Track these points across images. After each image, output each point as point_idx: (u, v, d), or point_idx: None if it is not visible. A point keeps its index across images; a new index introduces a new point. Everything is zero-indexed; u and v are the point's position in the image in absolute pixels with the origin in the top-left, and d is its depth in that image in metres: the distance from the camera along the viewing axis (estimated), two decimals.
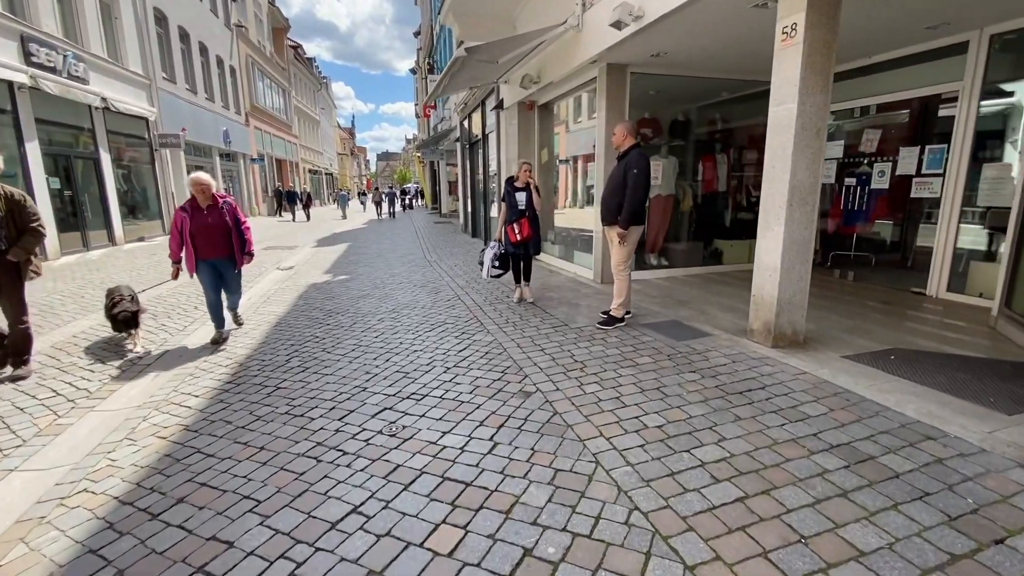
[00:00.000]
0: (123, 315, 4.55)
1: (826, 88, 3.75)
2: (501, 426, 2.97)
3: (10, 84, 9.34)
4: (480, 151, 12.93)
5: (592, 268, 7.09)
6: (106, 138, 12.38)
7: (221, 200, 4.73)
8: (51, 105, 10.53)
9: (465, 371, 3.88)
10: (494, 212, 11.31)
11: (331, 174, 51.85)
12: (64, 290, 7.49)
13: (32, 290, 7.45)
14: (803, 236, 3.90)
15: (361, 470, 2.60)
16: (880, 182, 6.33)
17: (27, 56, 9.79)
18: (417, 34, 35.59)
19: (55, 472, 2.79)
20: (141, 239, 13.67)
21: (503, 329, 4.92)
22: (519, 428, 2.94)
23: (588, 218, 7.66)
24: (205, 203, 4.63)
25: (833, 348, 4.00)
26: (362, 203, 34.41)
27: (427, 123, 29.32)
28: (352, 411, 3.30)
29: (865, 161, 6.47)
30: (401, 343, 4.69)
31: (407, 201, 37.82)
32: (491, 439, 2.84)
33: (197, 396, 3.70)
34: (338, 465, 2.67)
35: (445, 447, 2.78)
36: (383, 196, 25.65)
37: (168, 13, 16.08)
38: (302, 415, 3.29)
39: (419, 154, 36.10)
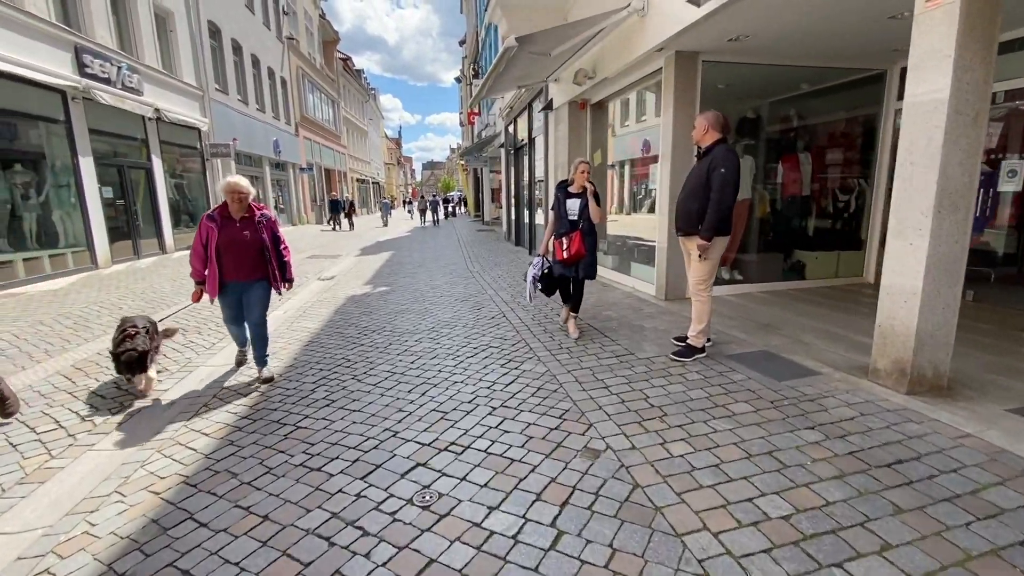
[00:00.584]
0: (127, 356, 3.62)
1: (988, 60, 2.87)
2: (565, 503, 2.26)
3: (63, 94, 9.44)
4: (525, 156, 12.30)
5: (654, 283, 6.27)
6: (159, 148, 12.52)
7: (259, 212, 3.96)
8: (104, 115, 10.66)
9: (514, 413, 3.19)
10: (540, 219, 10.64)
11: (378, 183, 52.67)
12: (104, 301, 7.32)
13: (75, 302, 7.39)
14: (953, 252, 3.00)
15: (382, 565, 1.95)
16: (1010, 183, 5.23)
17: (81, 67, 9.90)
18: (462, 43, 35.60)
19: (22, 539, 2.29)
20: (190, 247, 13.75)
21: (556, 357, 4.21)
22: (589, 508, 2.21)
23: (647, 226, 6.85)
24: (239, 214, 3.87)
25: (990, 397, 3.07)
26: (408, 211, 35.66)
27: (471, 130, 29.08)
28: (378, 466, 2.67)
29: (989, 158, 5.38)
30: (440, 371, 4.06)
31: (450, 209, 37.89)
32: (553, 524, 2.13)
33: (207, 435, 3.17)
34: (355, 553, 2.03)
35: (493, 533, 2.09)
36: (427, 204, 26.77)
37: (222, 26, 16.37)
38: (320, 468, 2.68)
39: (463, 162, 36.01)
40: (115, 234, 10.96)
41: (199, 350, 4.95)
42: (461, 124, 42.32)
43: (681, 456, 2.57)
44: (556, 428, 2.96)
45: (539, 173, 10.92)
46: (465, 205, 41.38)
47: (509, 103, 12.94)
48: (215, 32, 16.16)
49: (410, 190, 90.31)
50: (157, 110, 12.11)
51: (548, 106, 8.87)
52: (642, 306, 5.87)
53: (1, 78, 8.16)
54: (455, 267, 10.09)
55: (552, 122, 9.00)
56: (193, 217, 14.54)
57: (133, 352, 3.62)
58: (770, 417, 2.94)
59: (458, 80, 40.99)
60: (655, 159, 6.55)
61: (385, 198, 33.70)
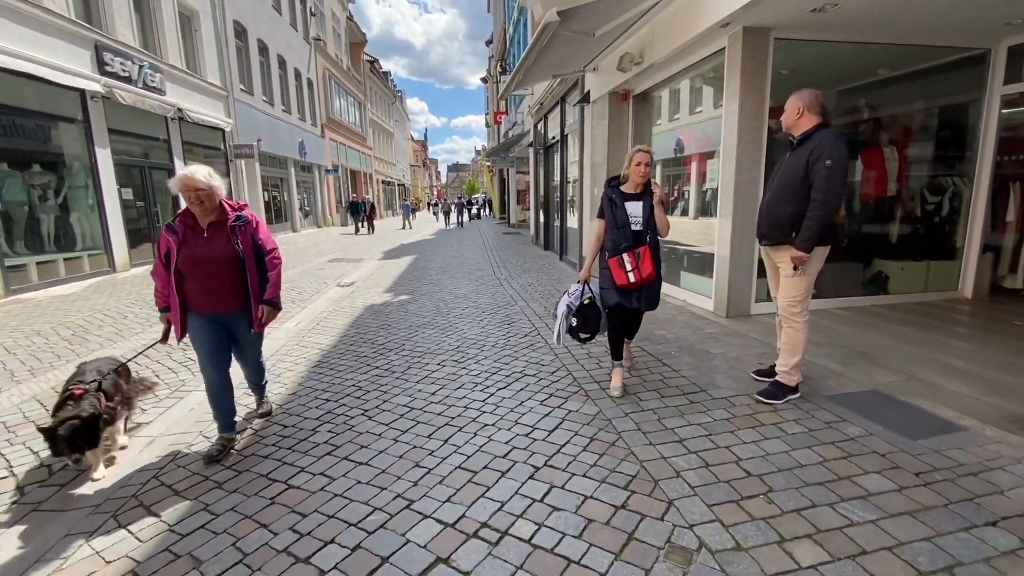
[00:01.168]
0: (66, 428, 2.41)
1: None
2: None
3: (82, 93, 9.11)
4: (556, 155, 11.53)
5: (711, 297, 5.43)
6: (181, 148, 12.21)
7: (233, 213, 2.84)
8: (125, 115, 10.34)
9: (564, 479, 2.44)
10: (572, 223, 9.87)
11: (403, 185, 52.58)
12: (111, 308, 6.87)
13: (82, 309, 6.96)
14: None
15: None
16: None
17: (101, 65, 9.58)
18: (489, 43, 35.05)
19: None
20: None
21: (609, 393, 3.44)
22: None
23: (700, 232, 6.02)
24: (206, 218, 2.76)
25: None
26: (434, 213, 36.00)
27: (497, 130, 28.45)
28: (385, 559, 1.96)
29: None
30: (466, 407, 3.34)
31: (475, 211, 37.35)
32: None
33: (177, 493, 2.52)
34: None
35: None
36: (451, 207, 27.19)
37: (248, 26, 16.10)
38: (307, 559, 1.99)
39: (488, 162, 35.41)
40: (135, 236, 10.63)
41: (190, 378, 4.35)
42: (487, 125, 41.79)
43: (814, 569, 1.77)
44: (623, 506, 2.20)
45: (572, 173, 10.14)
46: (490, 207, 40.85)
47: (539, 99, 12.20)
48: (240, 32, 15.89)
49: (435, 192, 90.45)
50: (180, 110, 11.79)
51: (584, 99, 8.10)
52: (701, 324, 5.04)
53: (19, 76, 7.82)
54: (481, 273, 9.39)
55: (589, 116, 8.22)
56: None
57: (75, 420, 2.45)
58: (924, 502, 2.11)
59: (484, 81, 40.47)
60: (711, 155, 5.71)
61: (406, 200, 33.24)
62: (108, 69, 9.75)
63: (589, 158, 8.15)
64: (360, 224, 21.00)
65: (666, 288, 6.48)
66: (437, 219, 32.55)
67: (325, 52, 24.80)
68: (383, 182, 40.61)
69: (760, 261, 4.15)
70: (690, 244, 6.23)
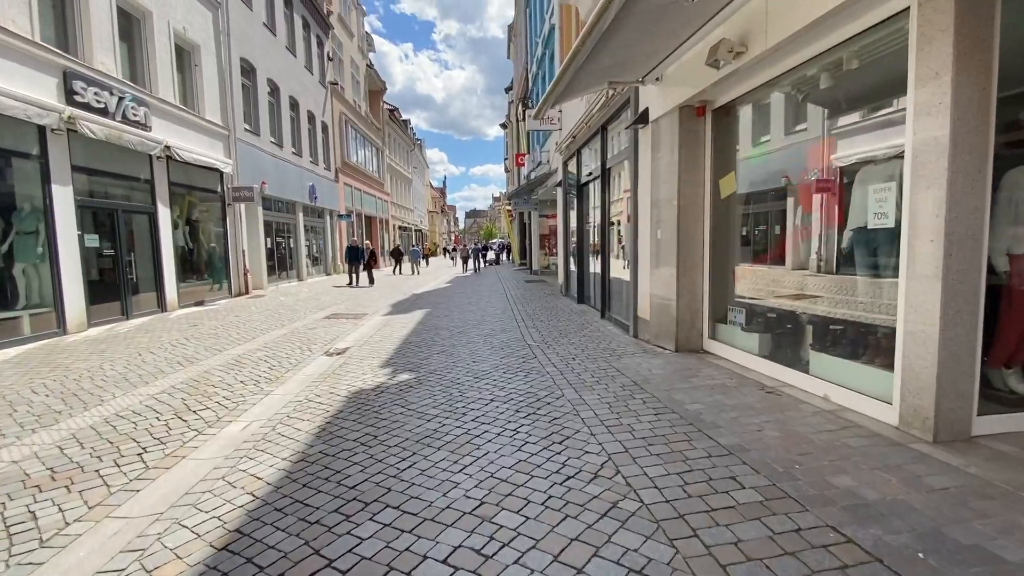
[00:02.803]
0: None
1: None
2: None
3: (40, 126, 7.66)
4: (594, 193, 9.74)
5: (895, 403, 3.32)
6: (167, 190, 10.75)
7: None
8: (97, 151, 8.90)
9: None
10: (620, 272, 7.92)
11: (420, 230, 51.78)
12: (9, 389, 4.99)
13: None
14: None
15: None
16: None
17: (69, 94, 8.21)
18: (508, 89, 34.62)
19: None
20: (200, 303, 11.77)
21: None
22: None
23: (839, 292, 4.00)
24: None
25: None
26: (451, 258, 35.86)
27: (517, 173, 27.24)
28: None
29: None
30: None
31: (492, 256, 36.01)
32: None
33: None
34: None
35: None
36: (469, 252, 26.82)
37: (257, 65, 15.09)
38: None
39: (509, 206, 34.17)
40: (99, 290, 8.96)
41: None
42: (506, 170, 41.03)
43: None
44: None
45: (616, 212, 8.28)
46: (508, 252, 39.40)
47: (571, 132, 10.56)
48: (249, 71, 14.86)
49: (452, 237, 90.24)
50: (167, 147, 10.39)
51: (640, 119, 6.31)
52: (900, 458, 2.91)
53: None
54: (507, 337, 7.41)
55: (646, 141, 6.41)
56: (207, 268, 12.63)
57: None
58: None
59: (503, 127, 39.98)
60: (850, 177, 3.76)
61: (415, 245, 31.80)
62: (78, 99, 8.37)
63: (648, 192, 6.28)
64: (355, 274, 17.16)
65: (780, 373, 4.38)
66: (455, 263, 31.86)
67: (342, 97, 24.08)
68: (400, 227, 39.59)
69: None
70: (833, 312, 4.18)
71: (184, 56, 11.94)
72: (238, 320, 9.62)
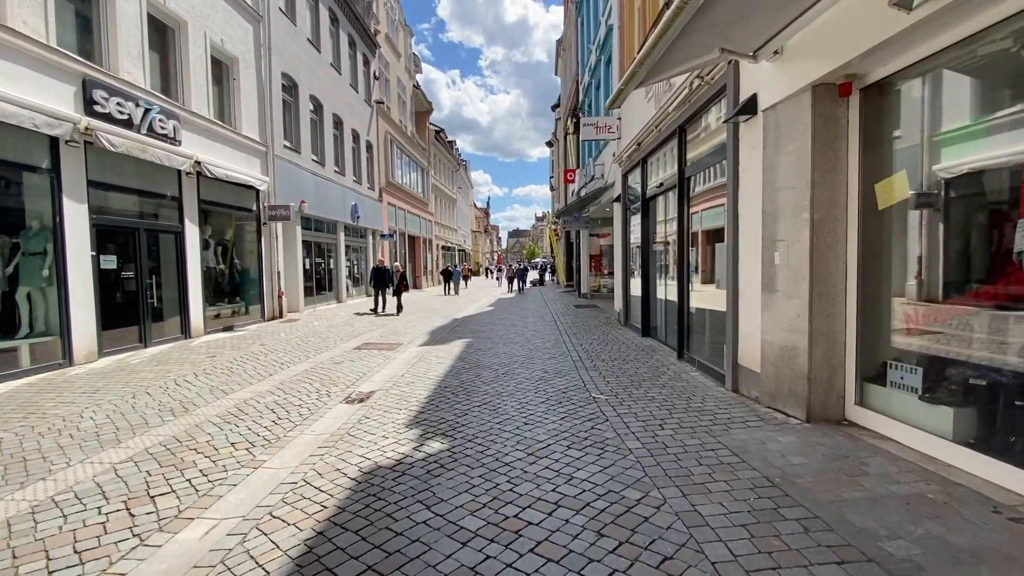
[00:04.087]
0: None
1: None
2: None
3: (53, 137, 6.97)
4: (663, 208, 8.23)
5: None
6: (196, 208, 10.04)
7: None
8: (118, 165, 8.23)
9: None
10: (700, 300, 6.34)
11: (464, 250, 51.26)
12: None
13: None
14: None
15: None
16: None
17: (89, 103, 7.55)
18: (555, 107, 33.67)
19: None
20: (228, 328, 10.96)
21: None
22: None
23: None
24: None
25: None
26: (497, 279, 35.56)
27: (564, 192, 25.97)
28: None
29: None
30: None
31: (537, 277, 34.81)
32: None
33: None
34: None
35: None
36: (515, 272, 25.83)
37: (300, 81, 14.58)
38: None
39: (555, 225, 32.87)
40: (115, 316, 8.18)
41: None
42: (552, 188, 39.94)
43: None
44: None
45: (698, 225, 6.74)
46: (552, 272, 38.03)
47: (635, 139, 9.14)
48: (291, 87, 14.35)
49: (496, 256, 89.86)
50: (198, 163, 9.70)
51: (744, 109, 4.82)
52: None
53: None
54: (564, 384, 5.95)
55: (752, 137, 4.89)
56: (239, 291, 11.87)
57: None
58: None
59: (549, 145, 39.04)
60: None
61: (453, 265, 30.72)
62: (98, 109, 7.71)
63: (758, 202, 4.73)
64: (382, 299, 14.69)
65: (976, 465, 2.70)
66: (500, 284, 31.26)
67: (388, 116, 23.68)
68: (443, 247, 39.01)
69: None
70: None
71: (221, 69, 11.41)
72: (262, 350, 8.62)
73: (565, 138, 25.43)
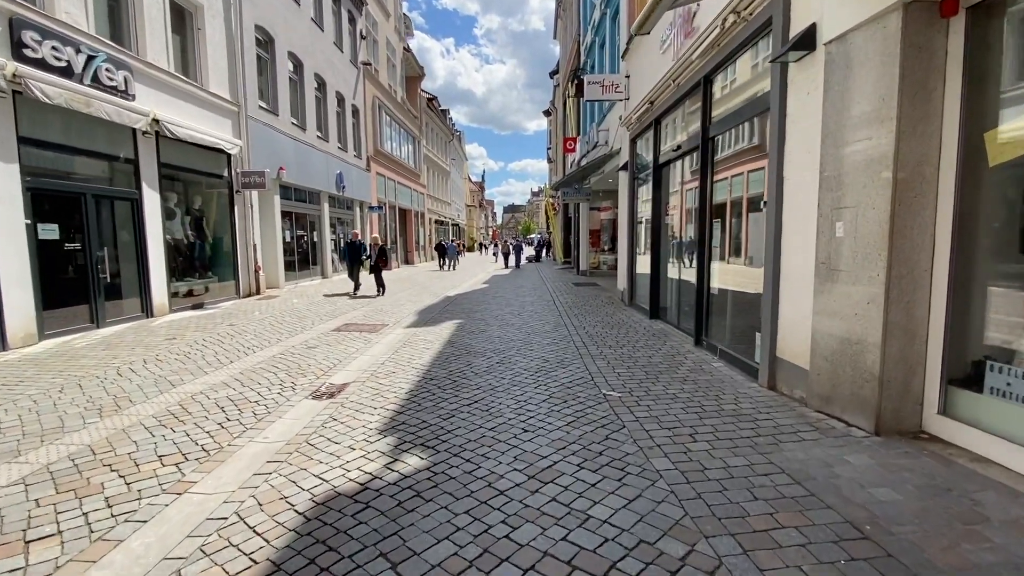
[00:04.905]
0: None
1: None
2: None
3: None
4: (678, 174, 7.31)
5: None
6: (156, 172, 9.00)
7: None
8: (58, 121, 7.17)
9: None
10: (723, 281, 5.51)
11: (457, 225, 50.07)
12: None
13: None
14: None
15: None
16: None
17: (17, 47, 6.46)
18: (554, 73, 32.16)
19: None
20: (198, 306, 10.05)
21: None
22: None
23: None
24: None
25: None
26: (494, 254, 34.31)
27: (563, 164, 24.86)
28: None
29: None
30: None
31: (534, 253, 33.94)
32: None
33: None
34: None
35: None
36: (510, 248, 25.76)
37: (277, 35, 13.29)
38: None
39: (551, 197, 31.72)
40: (61, 294, 7.25)
41: None
42: (549, 161, 38.63)
43: None
44: None
45: (724, 193, 5.85)
46: (548, 248, 37.15)
47: (647, 98, 8.13)
48: (267, 42, 13.09)
49: (491, 232, 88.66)
50: (156, 121, 8.62)
51: (800, 43, 3.87)
52: None
53: None
54: (568, 376, 5.13)
55: (806, 80, 3.96)
56: (211, 265, 10.91)
57: None
58: None
59: (547, 114, 37.59)
60: None
61: (448, 240, 30.12)
62: (29, 54, 6.62)
63: (814, 160, 3.83)
64: (357, 276, 12.64)
65: None
66: (496, 260, 30.36)
67: (376, 79, 22.25)
68: (436, 221, 37.86)
69: None
70: None
71: (184, 17, 10.19)
72: (230, 331, 7.74)
73: (564, 105, 24.16)
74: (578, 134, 18.25)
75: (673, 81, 6.96)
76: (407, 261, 27.98)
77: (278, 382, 5.14)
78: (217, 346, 6.74)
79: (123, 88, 8.13)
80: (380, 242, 12.28)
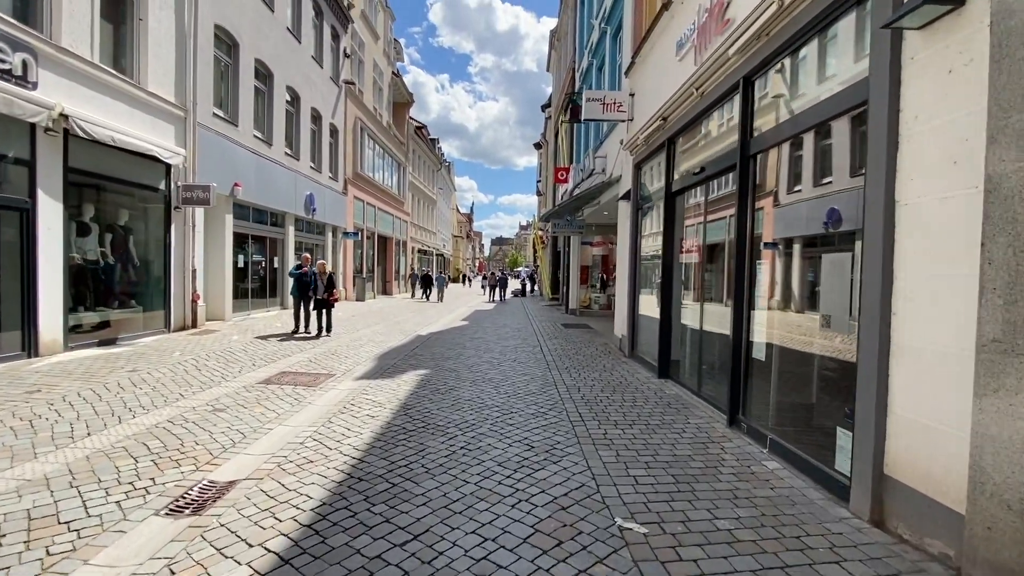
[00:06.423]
0: None
1: None
2: None
3: None
4: (697, 205, 5.92)
5: None
6: (62, 178, 7.37)
7: None
8: None
9: None
10: (766, 334, 4.00)
11: (442, 255, 48.73)
12: None
13: None
14: None
15: None
16: None
17: None
18: (546, 106, 31.60)
19: None
20: (109, 342, 8.24)
21: None
22: None
23: None
24: None
25: None
26: (482, 286, 33.98)
27: (552, 196, 23.82)
28: None
29: None
30: None
31: (520, 287, 32.70)
32: None
33: None
34: None
35: None
36: (496, 280, 25.41)
37: (243, 40, 11.99)
38: None
39: (541, 230, 30.56)
40: None
41: None
42: (539, 194, 37.84)
43: None
44: None
45: (768, 226, 4.42)
46: (534, 283, 35.89)
47: (659, 114, 6.82)
48: (230, 46, 11.78)
49: (477, 264, 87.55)
50: (64, 116, 7.06)
51: None
52: None
53: None
54: (558, 473, 3.50)
55: (951, 50, 2.57)
56: (132, 293, 9.15)
57: None
58: None
59: (538, 147, 36.98)
60: None
61: (439, 271, 29.00)
62: None
63: (984, 165, 2.37)
64: (304, 315, 10.41)
65: None
66: (484, 292, 29.24)
67: (359, 100, 21.12)
68: (420, 251, 36.43)
69: None
70: None
71: (125, 4, 8.78)
72: (126, 381, 5.98)
73: (556, 136, 23.33)
74: (571, 163, 17.13)
75: (696, 89, 5.63)
76: (385, 291, 26.34)
77: (130, 478, 3.42)
78: (87, 406, 4.98)
79: (20, 73, 6.59)
80: (328, 269, 10.52)
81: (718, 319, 5.37)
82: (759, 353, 4.48)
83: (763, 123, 4.49)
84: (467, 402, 5.53)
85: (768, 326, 4.41)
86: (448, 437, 4.35)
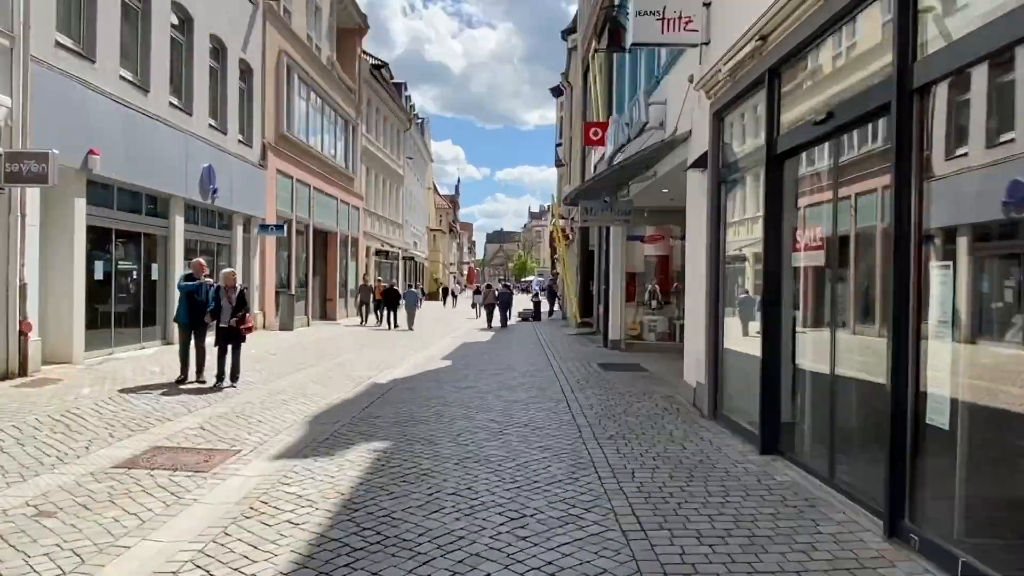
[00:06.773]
0: None
1: None
2: None
3: None
4: (819, 174, 5.74)
5: None
6: None
7: None
8: None
9: None
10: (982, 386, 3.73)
11: (413, 258, 49.07)
12: None
13: None
14: None
15: None
16: None
17: None
18: (568, 32, 31.97)
19: None
20: None
21: None
22: None
23: None
24: None
25: None
26: (472, 305, 35.83)
27: (581, 164, 23.89)
28: None
29: None
30: None
31: (532, 308, 33.06)
32: None
33: None
34: None
35: None
36: (496, 298, 26.94)
37: None
38: None
39: (562, 219, 30.78)
40: None
41: None
42: (559, 164, 38.23)
43: None
44: None
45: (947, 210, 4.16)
46: (555, 299, 36.35)
47: (754, 30, 6.75)
48: None
49: (466, 271, 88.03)
50: None
51: None
52: None
53: None
54: None
55: None
56: None
57: None
58: None
59: (558, 93, 37.42)
60: None
61: (411, 284, 29.32)
62: None
63: None
64: (197, 356, 10.39)
65: None
66: (476, 314, 31.91)
67: (286, 25, 21.57)
68: (379, 251, 36.74)
69: None
70: None
71: None
72: None
73: (586, 78, 23.59)
74: (609, 116, 17.32)
75: None
76: (325, 315, 26.42)
77: None
78: None
79: None
80: (237, 282, 10.31)
81: (861, 358, 5.25)
82: (938, 415, 4.17)
83: (936, 34, 4.24)
84: (451, 498, 5.22)
85: (952, 371, 4.11)
86: (421, 562, 3.97)
